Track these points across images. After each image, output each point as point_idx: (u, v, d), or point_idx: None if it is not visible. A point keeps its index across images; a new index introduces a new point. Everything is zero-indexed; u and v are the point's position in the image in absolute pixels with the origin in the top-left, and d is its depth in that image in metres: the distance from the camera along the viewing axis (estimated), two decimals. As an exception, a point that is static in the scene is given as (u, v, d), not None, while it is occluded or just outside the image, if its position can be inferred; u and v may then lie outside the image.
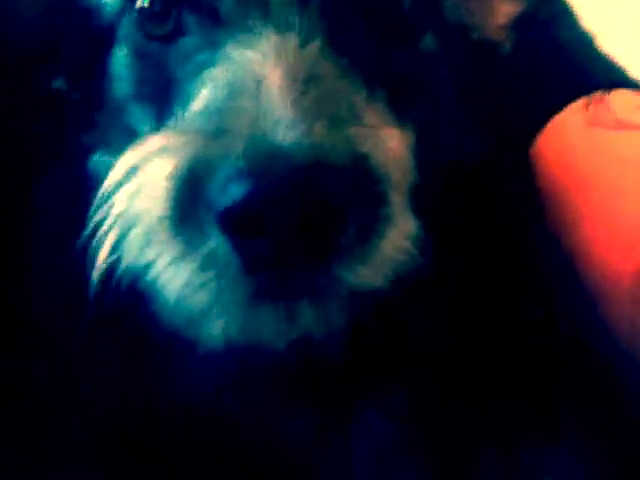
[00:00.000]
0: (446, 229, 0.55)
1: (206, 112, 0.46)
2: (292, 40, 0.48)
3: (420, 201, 0.53)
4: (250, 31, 0.49)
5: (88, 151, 0.55)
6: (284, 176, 0.40)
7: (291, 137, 0.42)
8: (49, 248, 0.53)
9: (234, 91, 0.46)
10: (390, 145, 0.47)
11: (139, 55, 0.54)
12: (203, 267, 0.44)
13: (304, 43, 0.48)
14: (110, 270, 0.46)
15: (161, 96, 0.52)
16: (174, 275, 0.44)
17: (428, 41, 0.57)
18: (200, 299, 0.44)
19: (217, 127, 0.44)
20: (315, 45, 0.48)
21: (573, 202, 0.62)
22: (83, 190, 0.49)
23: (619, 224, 0.58)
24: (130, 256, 0.45)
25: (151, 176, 0.44)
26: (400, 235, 0.46)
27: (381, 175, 0.45)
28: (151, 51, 0.54)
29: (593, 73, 0.71)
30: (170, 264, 0.44)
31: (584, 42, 0.75)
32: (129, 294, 0.46)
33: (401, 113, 0.53)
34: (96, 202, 0.46)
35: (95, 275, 0.46)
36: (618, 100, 0.66)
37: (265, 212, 0.40)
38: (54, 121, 0.58)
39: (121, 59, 0.56)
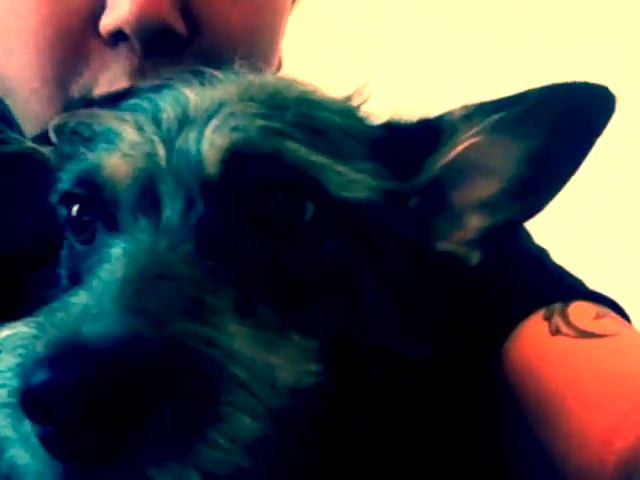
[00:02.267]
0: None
1: (55, 306, 0.50)
2: (161, 243, 0.52)
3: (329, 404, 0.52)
4: (132, 235, 0.53)
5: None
6: (74, 366, 0.42)
7: (98, 329, 0.44)
8: None
9: (85, 287, 0.49)
10: (231, 344, 0.48)
11: (71, 255, 0.62)
12: (23, 449, 0.46)
13: (172, 246, 0.52)
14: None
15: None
16: (5, 453, 0.47)
17: (334, 246, 0.57)
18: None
19: (50, 319, 0.47)
20: (183, 249, 0.52)
21: (544, 411, 0.63)
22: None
23: (591, 432, 0.59)
24: None
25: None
26: (225, 436, 0.45)
27: (208, 371, 0.46)
28: (78, 252, 0.60)
29: (551, 284, 0.72)
30: (3, 442, 0.47)
31: (539, 254, 0.77)
32: None
33: (298, 315, 0.54)
34: None
35: None
36: (577, 311, 0.67)
37: (49, 400, 0.42)
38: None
39: (63, 259, 0.63)
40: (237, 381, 0.47)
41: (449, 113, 0.65)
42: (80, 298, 0.48)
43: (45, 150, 0.69)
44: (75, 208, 0.60)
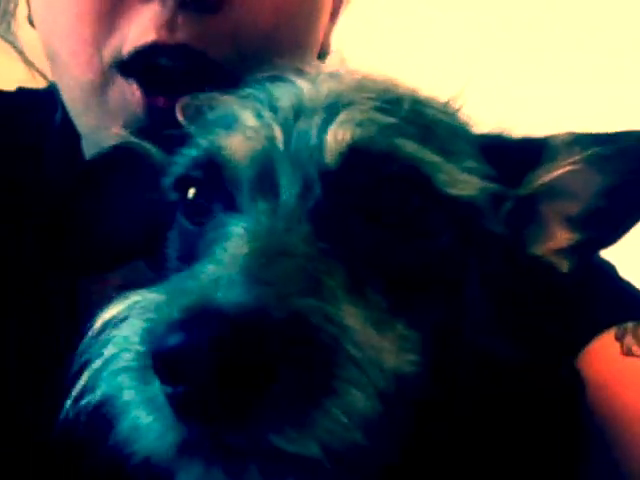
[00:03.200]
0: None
1: (183, 275, 0.52)
2: (280, 223, 0.54)
3: (425, 395, 0.54)
4: (252, 215, 0.55)
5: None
6: (208, 330, 0.44)
7: (230, 296, 0.46)
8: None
9: (210, 260, 0.52)
10: (347, 322, 0.49)
11: (182, 236, 0.64)
12: (147, 410, 0.48)
13: (290, 227, 0.54)
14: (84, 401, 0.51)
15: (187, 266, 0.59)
16: (127, 415, 0.49)
17: (443, 241, 0.59)
18: (145, 440, 0.48)
19: (180, 287, 0.49)
20: (301, 230, 0.54)
21: (618, 432, 0.64)
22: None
23: None
24: (101, 391, 0.51)
25: (124, 329, 0.50)
26: (340, 409, 0.47)
27: (327, 345, 0.47)
28: (191, 232, 0.62)
29: (623, 302, 0.74)
30: (125, 405, 0.49)
31: (609, 269, 0.79)
32: (97, 422, 0.51)
33: (403, 303, 0.56)
34: (83, 344, 0.53)
35: (70, 400, 0.51)
36: None
37: (183, 361, 0.44)
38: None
39: (172, 240, 0.65)
40: (352, 358, 0.48)
41: (554, 137, 0.68)
42: (209, 269, 0.50)
43: (146, 144, 0.71)
44: (192, 191, 0.62)
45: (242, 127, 0.60)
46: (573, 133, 0.68)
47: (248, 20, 0.77)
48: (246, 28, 0.77)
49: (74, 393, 0.51)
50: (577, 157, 0.66)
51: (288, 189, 0.56)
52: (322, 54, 0.93)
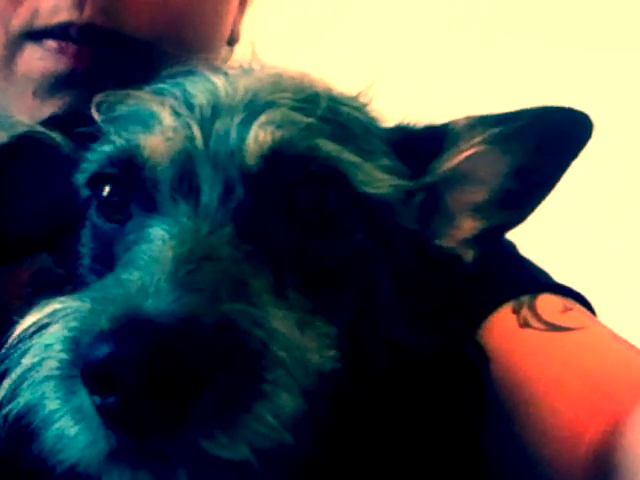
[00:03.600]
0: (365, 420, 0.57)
1: (105, 282, 0.52)
2: (204, 226, 0.54)
3: (343, 389, 0.55)
4: (173, 217, 0.55)
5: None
6: (138, 340, 0.44)
7: (158, 305, 0.46)
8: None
9: (133, 265, 0.51)
10: (273, 325, 0.50)
11: (96, 235, 0.62)
12: (74, 420, 0.47)
13: (214, 229, 0.54)
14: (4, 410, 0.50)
15: (104, 270, 0.58)
16: (51, 425, 0.48)
17: (358, 238, 0.60)
18: (71, 450, 0.48)
19: (105, 295, 0.49)
20: (224, 232, 0.54)
21: (516, 403, 0.67)
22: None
23: (562, 424, 0.63)
24: (23, 400, 0.50)
25: (46, 337, 0.49)
26: (269, 411, 0.48)
27: (255, 349, 0.48)
28: (106, 231, 0.61)
29: (519, 276, 0.76)
30: (49, 414, 0.48)
31: (507, 247, 0.81)
32: (20, 435, 0.50)
33: (321, 301, 0.57)
34: (2, 352, 0.51)
35: None
36: (545, 304, 0.72)
37: (113, 372, 0.44)
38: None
39: (85, 238, 0.63)
40: (279, 361, 0.49)
41: (454, 122, 0.70)
42: (134, 275, 0.49)
43: (55, 135, 0.69)
44: (107, 189, 0.61)
45: (160, 126, 0.59)
46: (474, 116, 0.69)
47: None
48: (156, 2, 0.78)
49: None
50: (478, 139, 0.68)
51: (209, 190, 0.56)
52: (231, 41, 0.94)
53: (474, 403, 0.68)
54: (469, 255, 0.70)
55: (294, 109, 0.60)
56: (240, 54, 0.89)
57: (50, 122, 0.71)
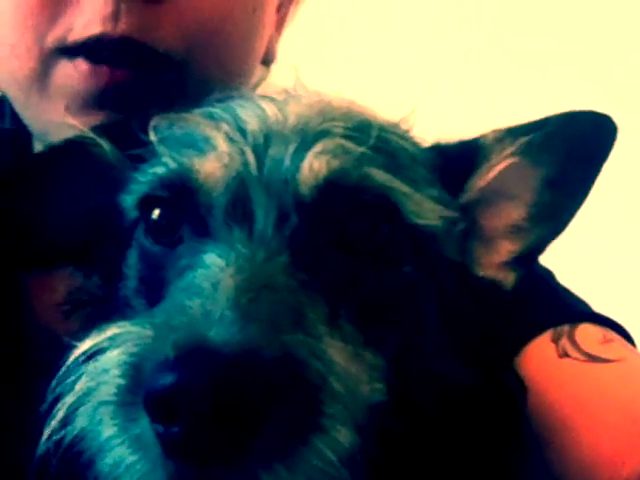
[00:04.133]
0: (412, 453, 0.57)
1: (165, 308, 0.51)
2: (260, 253, 0.54)
3: (389, 423, 0.55)
4: (228, 243, 0.55)
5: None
6: (204, 369, 0.44)
7: (223, 335, 0.46)
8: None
9: (193, 292, 0.51)
10: (331, 357, 0.50)
11: (144, 257, 0.62)
12: (132, 448, 0.47)
13: (270, 257, 0.54)
14: (59, 435, 0.50)
15: (154, 295, 0.58)
16: (109, 452, 0.48)
17: (407, 270, 0.60)
18: (129, 478, 0.48)
19: (166, 321, 0.49)
20: (280, 260, 0.54)
21: (553, 433, 0.67)
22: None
23: (600, 455, 0.64)
24: (78, 426, 0.49)
25: (103, 362, 0.49)
26: (328, 446, 0.48)
27: (314, 383, 0.48)
28: (154, 254, 0.61)
29: (558, 306, 0.75)
30: (106, 441, 0.48)
31: (545, 275, 0.81)
32: (74, 461, 0.50)
33: (371, 333, 0.57)
34: (58, 376, 0.51)
35: (45, 437, 0.50)
36: (584, 334, 0.71)
37: (179, 401, 0.44)
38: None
39: (131, 260, 0.63)
40: (336, 394, 0.49)
41: (482, 136, 0.70)
42: (194, 302, 0.49)
43: (103, 142, 0.69)
44: (157, 211, 0.61)
45: (215, 151, 0.59)
46: (501, 129, 0.69)
47: (192, 10, 0.78)
48: (191, 18, 0.78)
49: (50, 427, 0.50)
50: (509, 150, 0.68)
51: (263, 217, 0.56)
52: (266, 61, 0.93)
53: (510, 432, 0.68)
54: (509, 280, 0.70)
55: (346, 138, 0.60)
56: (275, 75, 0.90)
57: (99, 130, 0.71)
